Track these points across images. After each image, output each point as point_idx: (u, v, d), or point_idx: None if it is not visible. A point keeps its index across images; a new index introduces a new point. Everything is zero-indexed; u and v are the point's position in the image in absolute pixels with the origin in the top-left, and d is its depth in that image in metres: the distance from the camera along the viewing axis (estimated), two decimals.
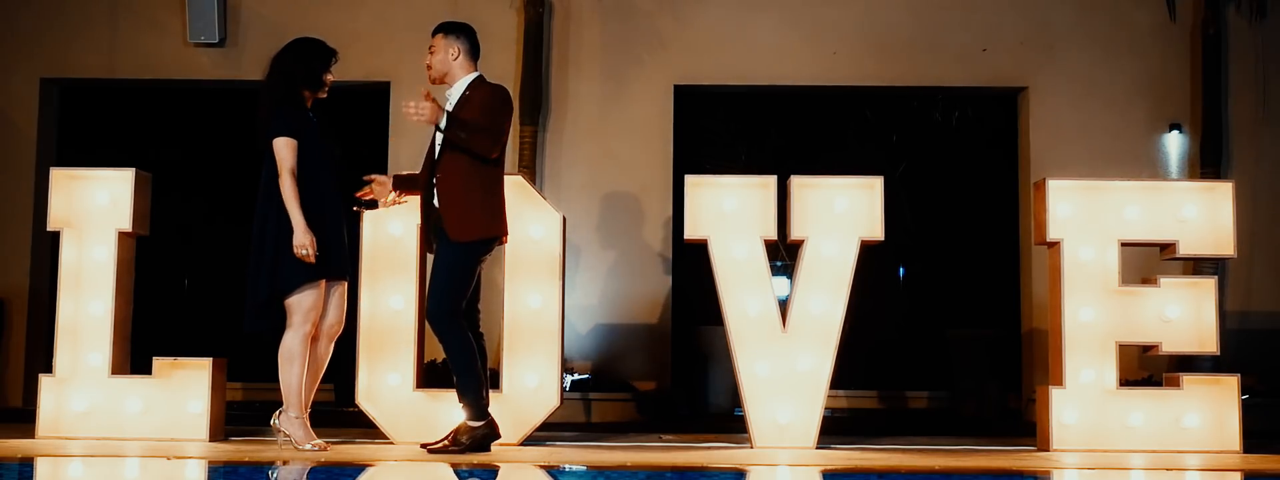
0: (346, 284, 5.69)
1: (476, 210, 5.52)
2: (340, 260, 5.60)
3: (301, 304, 5.50)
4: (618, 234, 9.08)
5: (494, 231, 5.57)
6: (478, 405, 5.48)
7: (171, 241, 8.99)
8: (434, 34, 5.84)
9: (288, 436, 5.52)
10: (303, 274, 5.46)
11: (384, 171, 8.96)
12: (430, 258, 5.67)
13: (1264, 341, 8.80)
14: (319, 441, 5.51)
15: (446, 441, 5.47)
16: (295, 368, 5.51)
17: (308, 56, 5.71)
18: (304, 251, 5.39)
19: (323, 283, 5.51)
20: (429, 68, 5.80)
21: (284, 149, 5.52)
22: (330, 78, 5.76)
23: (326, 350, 5.67)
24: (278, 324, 5.54)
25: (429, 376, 7.34)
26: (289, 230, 5.43)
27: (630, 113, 9.19)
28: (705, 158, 9.72)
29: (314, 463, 5.07)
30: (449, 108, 5.65)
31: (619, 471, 4.97)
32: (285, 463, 5.08)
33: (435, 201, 5.59)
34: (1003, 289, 9.53)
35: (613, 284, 9.05)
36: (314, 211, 5.49)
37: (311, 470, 4.89)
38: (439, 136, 5.60)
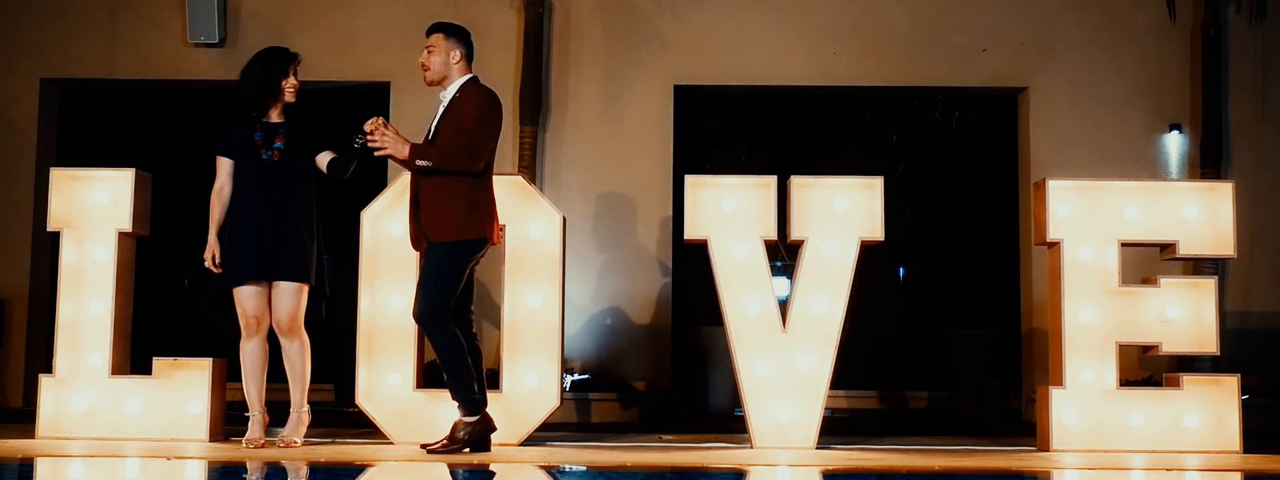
0: (297, 284, 5.72)
1: (454, 212, 5.48)
2: (259, 264, 5.67)
3: (237, 309, 5.74)
4: (617, 234, 9.08)
5: (473, 234, 5.50)
6: (469, 401, 5.46)
7: (171, 241, 8.99)
8: (431, 33, 5.82)
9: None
10: (217, 280, 5.74)
11: (384, 172, 9.00)
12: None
13: (1264, 341, 8.80)
14: (265, 438, 5.76)
15: (444, 441, 5.47)
16: (244, 374, 5.82)
17: (266, 63, 5.85)
18: (207, 263, 5.70)
19: (248, 287, 5.67)
20: (426, 68, 5.78)
21: (217, 166, 5.80)
22: (291, 82, 5.86)
23: (287, 347, 5.78)
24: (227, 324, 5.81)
25: (429, 377, 7.34)
26: (222, 242, 5.72)
27: (630, 113, 9.19)
28: (705, 158, 9.72)
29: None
30: (442, 109, 5.64)
31: (619, 471, 4.98)
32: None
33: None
34: (1003, 289, 9.53)
35: (613, 284, 9.05)
36: (239, 218, 5.69)
37: (311, 470, 4.89)
38: (431, 128, 5.62)
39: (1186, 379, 6.07)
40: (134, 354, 6.32)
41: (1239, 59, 9.12)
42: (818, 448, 5.90)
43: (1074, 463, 5.50)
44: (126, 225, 6.17)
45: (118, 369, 6.12)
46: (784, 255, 8.77)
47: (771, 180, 6.12)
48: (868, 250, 6.12)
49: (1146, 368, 8.47)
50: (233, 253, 5.67)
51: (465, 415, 5.47)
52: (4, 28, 9.31)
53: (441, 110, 5.67)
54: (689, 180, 6.20)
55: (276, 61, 5.84)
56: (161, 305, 9.33)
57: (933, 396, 9.78)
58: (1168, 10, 9.14)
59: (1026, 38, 9.24)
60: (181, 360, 6.10)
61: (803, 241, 6.08)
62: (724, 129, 10.12)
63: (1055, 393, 6.00)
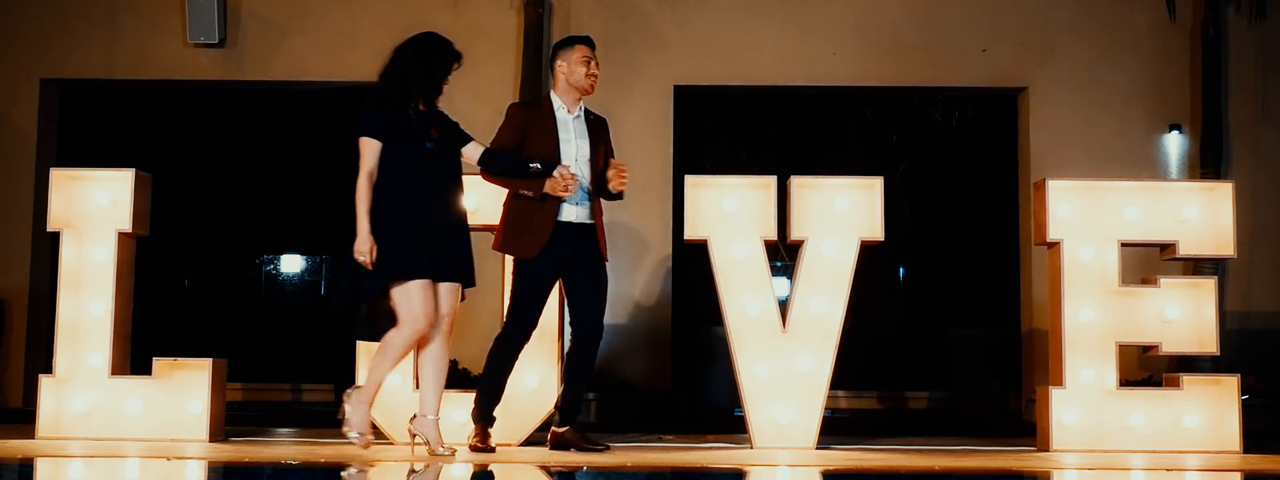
0: (457, 286, 5.46)
1: (503, 224, 5.63)
2: (429, 263, 5.34)
3: (402, 304, 5.28)
4: (618, 234, 9.08)
5: (514, 250, 5.58)
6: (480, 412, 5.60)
7: (171, 241, 9.00)
8: (593, 46, 5.78)
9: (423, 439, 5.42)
10: (382, 276, 5.27)
11: None
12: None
13: (1264, 341, 8.80)
14: (369, 437, 5.37)
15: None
16: (385, 362, 5.34)
17: (429, 56, 5.48)
18: (361, 258, 5.23)
19: (425, 283, 5.31)
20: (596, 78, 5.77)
21: (364, 149, 5.38)
22: (446, 84, 5.57)
23: (438, 351, 5.45)
24: (368, 325, 5.42)
25: None
26: (380, 232, 5.28)
27: (630, 113, 9.19)
28: (705, 158, 9.72)
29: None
30: (581, 126, 5.71)
31: (619, 471, 4.98)
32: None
33: None
34: (1003, 289, 9.53)
35: (612, 284, 9.00)
36: (400, 215, 5.31)
37: (311, 471, 4.89)
38: (576, 154, 5.66)
39: (1186, 379, 6.07)
40: (134, 354, 6.32)
41: (1239, 59, 9.13)
42: (818, 448, 5.90)
43: (1074, 463, 5.50)
44: (126, 225, 6.16)
45: (118, 369, 6.11)
46: (784, 255, 8.77)
47: (771, 180, 6.12)
48: (868, 250, 6.12)
49: (1146, 368, 8.47)
50: (396, 248, 5.27)
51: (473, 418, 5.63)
52: (4, 28, 9.31)
53: (584, 128, 5.70)
54: (689, 180, 6.20)
55: (442, 58, 5.50)
56: (161, 305, 9.34)
57: (933, 396, 9.79)
58: (1168, 10, 9.14)
59: (1026, 38, 9.24)
60: (181, 360, 6.09)
61: (803, 241, 6.08)
62: (724, 129, 10.12)
63: (1055, 393, 6.00)
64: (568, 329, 5.79)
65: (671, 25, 9.24)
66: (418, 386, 6.03)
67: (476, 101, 9.21)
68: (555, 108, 5.71)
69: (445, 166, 5.48)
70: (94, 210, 6.18)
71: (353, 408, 5.37)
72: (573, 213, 5.59)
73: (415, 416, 5.41)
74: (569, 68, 5.73)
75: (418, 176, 5.36)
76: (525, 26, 9.09)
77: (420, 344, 5.40)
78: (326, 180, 10.04)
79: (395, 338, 5.31)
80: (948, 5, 9.26)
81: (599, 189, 5.70)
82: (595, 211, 5.70)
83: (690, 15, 9.27)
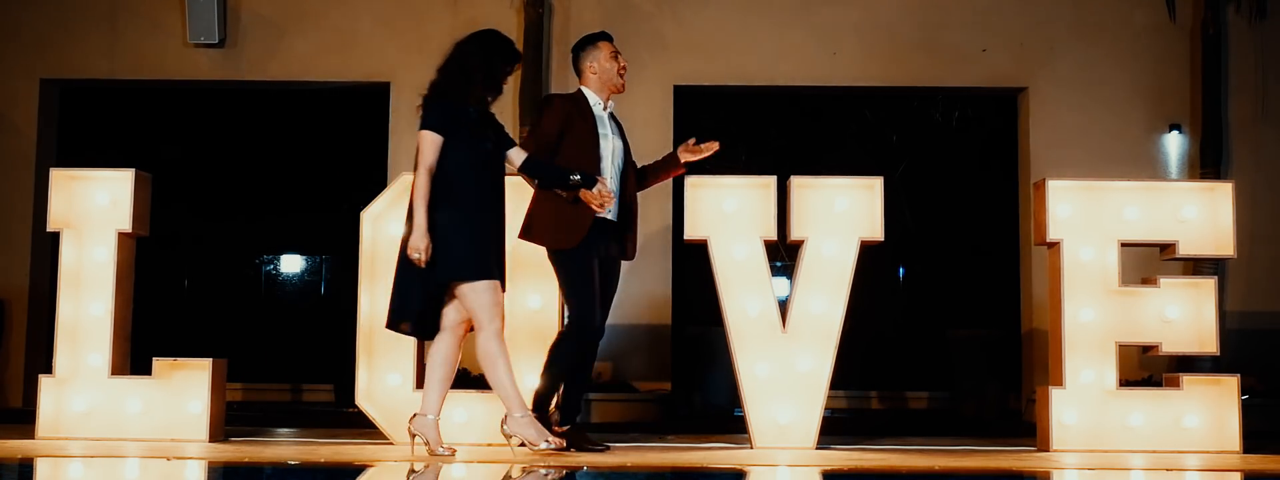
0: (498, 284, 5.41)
1: (539, 216, 5.61)
2: (498, 263, 5.33)
3: (481, 302, 5.22)
4: None
5: (557, 241, 5.56)
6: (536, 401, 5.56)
7: (172, 241, 8.99)
8: (613, 40, 5.80)
9: (522, 443, 5.30)
10: (448, 272, 5.20)
11: (384, 172, 9.01)
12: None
13: (1264, 341, 8.80)
14: (554, 439, 5.27)
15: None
16: (500, 367, 5.25)
17: (491, 55, 5.43)
18: (416, 255, 5.15)
19: (495, 283, 5.25)
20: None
21: (426, 143, 5.28)
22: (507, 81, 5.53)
23: (455, 349, 5.40)
24: (427, 325, 5.35)
25: None
26: (445, 229, 5.20)
27: (630, 113, 9.17)
28: (705, 158, 9.71)
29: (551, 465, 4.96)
30: (612, 123, 5.73)
31: (619, 472, 4.97)
32: (526, 470, 4.92)
33: None
34: (1003, 289, 9.53)
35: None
36: (469, 214, 5.25)
37: (311, 470, 4.89)
38: (611, 150, 5.67)
39: (1186, 379, 6.07)
40: (134, 354, 6.32)
41: (1239, 59, 9.13)
42: (818, 448, 5.90)
43: (1074, 463, 5.50)
44: (126, 225, 6.16)
45: (118, 369, 6.11)
46: (784, 255, 8.77)
47: (771, 180, 6.12)
48: (868, 250, 6.12)
49: (1146, 368, 8.47)
50: (468, 247, 5.20)
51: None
52: (4, 28, 9.31)
53: (615, 125, 5.73)
54: (689, 180, 6.20)
55: (504, 57, 5.45)
56: (161, 305, 9.34)
57: (933, 396, 9.78)
58: (1168, 10, 9.14)
59: (1026, 38, 9.25)
60: (181, 360, 6.09)
61: (803, 241, 6.08)
62: (724, 129, 10.12)
63: (1055, 393, 6.00)
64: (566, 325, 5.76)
65: (671, 25, 9.24)
66: (417, 386, 6.04)
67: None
68: (592, 104, 5.71)
69: (499, 167, 5.43)
70: (94, 210, 6.18)
71: (518, 425, 5.28)
72: (611, 212, 5.64)
73: (415, 416, 5.39)
74: (600, 66, 5.73)
75: (480, 175, 5.31)
76: (525, 26, 9.10)
77: (434, 342, 5.35)
78: (326, 180, 10.04)
79: (488, 345, 5.24)
80: (948, 5, 9.26)
81: (639, 179, 5.82)
82: (627, 209, 5.72)
83: (690, 15, 9.27)
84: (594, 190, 5.45)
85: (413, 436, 5.39)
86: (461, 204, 5.25)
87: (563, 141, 5.59)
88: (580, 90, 5.78)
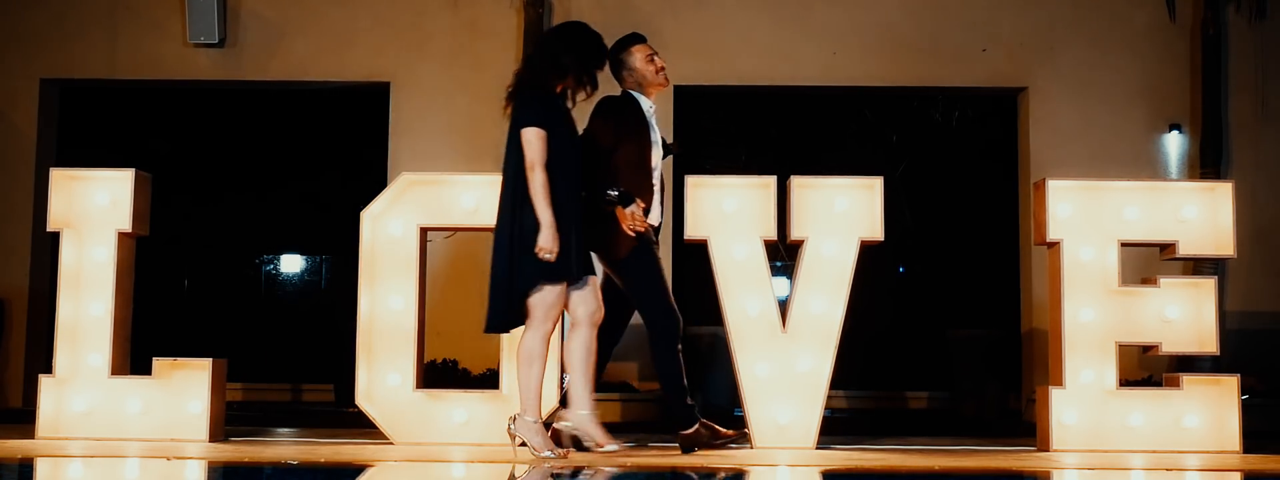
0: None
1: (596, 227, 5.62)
2: (584, 258, 5.30)
3: (543, 301, 5.15)
4: None
5: (607, 253, 5.62)
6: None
7: (172, 241, 9.00)
8: (648, 42, 5.80)
9: (523, 443, 5.23)
10: (547, 273, 5.12)
11: (384, 172, 9.01)
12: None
13: (1264, 341, 8.80)
14: (560, 450, 5.20)
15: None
16: (536, 369, 5.18)
17: (588, 56, 5.38)
18: (547, 255, 5.06)
19: (564, 285, 5.19)
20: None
21: (535, 139, 5.17)
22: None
23: (593, 338, 5.34)
24: (517, 324, 5.28)
25: (429, 377, 7.34)
26: (531, 226, 5.12)
27: None
28: (705, 158, 9.73)
29: (556, 470, 4.88)
30: (656, 121, 5.72)
31: (620, 472, 4.97)
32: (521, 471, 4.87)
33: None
34: (1003, 289, 9.53)
35: (613, 284, 9.03)
36: (561, 212, 5.16)
37: (311, 471, 4.89)
38: (659, 152, 5.67)
39: (1186, 379, 6.07)
40: (134, 354, 6.32)
41: (1239, 59, 9.13)
42: (817, 448, 5.90)
43: (1074, 463, 5.50)
44: (126, 225, 6.16)
45: (118, 369, 6.11)
46: (784, 255, 8.77)
47: (771, 180, 6.11)
48: (868, 250, 6.12)
49: (1146, 368, 8.47)
50: (564, 243, 5.14)
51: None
52: (4, 28, 9.31)
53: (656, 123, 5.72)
54: (689, 180, 6.20)
55: (600, 58, 5.42)
56: (161, 305, 9.34)
57: (933, 396, 9.78)
58: (1168, 10, 9.14)
59: (1026, 38, 9.25)
60: (181, 360, 6.09)
61: (803, 241, 6.08)
62: (724, 129, 10.13)
63: (1055, 393, 6.00)
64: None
65: (671, 25, 9.24)
66: (417, 386, 6.03)
67: (476, 101, 9.22)
68: (643, 107, 5.67)
69: (579, 162, 5.34)
70: (94, 210, 6.18)
71: (526, 429, 5.21)
72: (654, 216, 5.67)
73: (517, 415, 5.27)
74: (640, 67, 5.72)
75: (568, 171, 5.24)
76: (525, 26, 9.10)
77: (568, 336, 5.31)
78: (326, 180, 10.04)
79: (532, 344, 5.18)
80: (948, 5, 9.26)
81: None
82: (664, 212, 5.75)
83: (690, 15, 9.27)
84: (629, 211, 5.42)
85: (513, 438, 5.27)
86: (558, 201, 5.16)
87: (617, 145, 5.53)
88: (627, 92, 5.75)
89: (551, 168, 5.17)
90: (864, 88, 9.41)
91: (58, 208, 6.17)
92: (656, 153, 5.70)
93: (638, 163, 5.57)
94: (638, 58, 5.74)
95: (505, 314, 5.22)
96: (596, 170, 5.46)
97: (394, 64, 9.26)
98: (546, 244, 5.07)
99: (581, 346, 5.28)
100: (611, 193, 5.42)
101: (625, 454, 5.28)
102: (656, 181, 5.68)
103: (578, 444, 5.43)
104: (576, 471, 4.89)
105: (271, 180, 10.21)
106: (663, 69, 5.78)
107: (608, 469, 4.98)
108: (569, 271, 5.18)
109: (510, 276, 5.14)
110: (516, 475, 4.78)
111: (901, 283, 10.33)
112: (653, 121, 5.75)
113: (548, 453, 5.18)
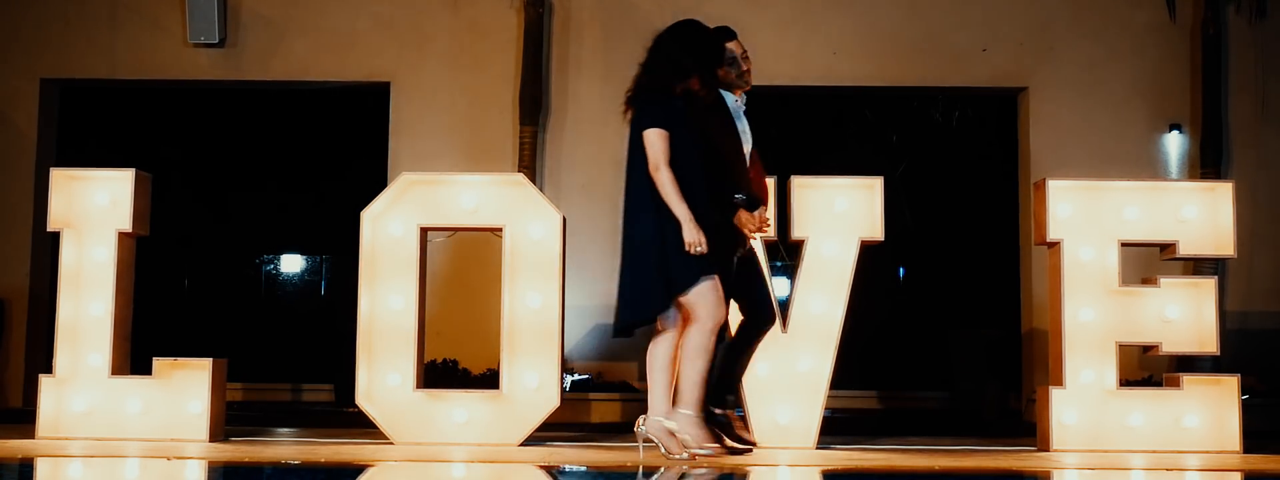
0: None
1: None
2: (713, 254, 5.26)
3: (705, 299, 5.15)
4: (617, 234, 9.06)
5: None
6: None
7: (172, 241, 8.99)
8: (735, 36, 5.76)
9: (650, 442, 5.21)
10: (697, 270, 5.12)
11: (384, 172, 9.01)
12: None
13: (1264, 341, 8.80)
14: (714, 444, 5.21)
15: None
16: (702, 363, 5.18)
17: (705, 54, 5.44)
18: (697, 249, 5.07)
19: (716, 277, 5.18)
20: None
21: (658, 141, 5.20)
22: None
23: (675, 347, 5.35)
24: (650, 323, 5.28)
25: (429, 377, 7.34)
26: (674, 226, 5.12)
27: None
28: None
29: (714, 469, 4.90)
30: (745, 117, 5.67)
31: (619, 472, 4.97)
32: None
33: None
34: (1003, 289, 9.53)
35: (613, 284, 9.01)
36: (699, 210, 5.17)
37: (311, 471, 4.89)
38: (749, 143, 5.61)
39: (1186, 379, 6.07)
40: (134, 354, 6.32)
41: (1239, 59, 9.13)
42: (818, 448, 5.90)
43: (1074, 463, 5.50)
44: (126, 225, 6.16)
45: (118, 369, 6.11)
46: (784, 255, 8.77)
47: (771, 180, 6.11)
48: (868, 250, 6.12)
49: (1146, 368, 8.46)
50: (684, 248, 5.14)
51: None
52: (4, 28, 9.31)
53: (746, 122, 5.64)
54: None
55: (719, 56, 5.51)
56: (161, 305, 9.34)
57: (933, 396, 9.77)
58: (1168, 10, 9.14)
59: (1026, 38, 9.24)
60: (181, 360, 6.09)
61: (803, 241, 6.08)
62: None
63: (1055, 393, 6.00)
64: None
65: None
66: (417, 385, 6.03)
67: (476, 101, 9.23)
68: (728, 105, 5.63)
69: (699, 160, 5.34)
70: (94, 210, 6.18)
71: (688, 424, 5.20)
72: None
73: (645, 418, 5.27)
74: (724, 67, 5.67)
75: (694, 170, 5.24)
76: (525, 26, 9.10)
77: (658, 343, 5.29)
78: (327, 180, 10.04)
79: (699, 339, 5.17)
80: (948, 5, 9.26)
81: None
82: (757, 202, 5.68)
83: (690, 15, 9.24)
84: (754, 214, 5.42)
85: (645, 441, 5.27)
86: (692, 200, 5.17)
87: (708, 145, 5.48)
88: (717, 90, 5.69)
89: (675, 168, 5.18)
90: (864, 88, 9.41)
91: (58, 208, 6.17)
92: (748, 151, 5.63)
93: (728, 161, 5.51)
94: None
95: (643, 314, 5.23)
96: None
97: (394, 64, 9.26)
98: (692, 238, 5.08)
99: (667, 352, 5.29)
100: (739, 196, 5.44)
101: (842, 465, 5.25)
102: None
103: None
104: (725, 469, 4.92)
105: (271, 180, 10.21)
106: (747, 72, 5.71)
107: (757, 468, 4.99)
108: (717, 265, 5.18)
109: (666, 280, 5.13)
110: (687, 473, 4.80)
111: (901, 283, 10.32)
112: (743, 121, 5.66)
113: (706, 449, 5.17)
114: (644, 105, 5.31)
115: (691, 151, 5.26)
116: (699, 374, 5.20)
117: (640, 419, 5.30)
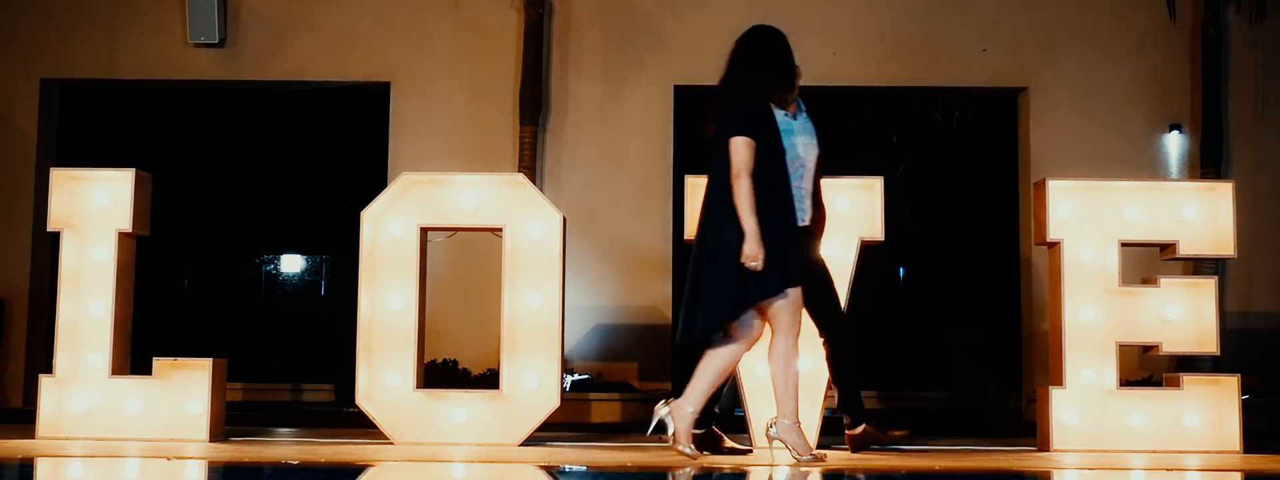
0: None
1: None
2: (795, 265, 5.25)
3: (787, 308, 5.17)
4: (618, 234, 9.08)
5: None
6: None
7: (172, 241, 8.99)
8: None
9: (783, 444, 5.23)
10: (779, 281, 5.12)
11: (384, 172, 9.01)
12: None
13: (1264, 341, 8.80)
14: (819, 451, 5.27)
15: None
16: (793, 371, 5.22)
17: (782, 56, 5.50)
18: (753, 263, 5.05)
19: (799, 288, 5.18)
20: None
21: (743, 149, 5.18)
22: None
23: (795, 349, 5.32)
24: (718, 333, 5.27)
25: (429, 377, 7.35)
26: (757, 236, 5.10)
27: (630, 112, 9.19)
28: (706, 158, 9.71)
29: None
30: (807, 117, 5.66)
31: (619, 472, 4.97)
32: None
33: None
34: (1003, 289, 9.53)
35: (613, 284, 9.05)
36: (782, 218, 5.18)
37: (311, 471, 4.89)
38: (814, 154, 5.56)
39: (1186, 379, 6.07)
40: (134, 354, 6.32)
41: (1239, 59, 9.13)
42: (818, 447, 5.89)
43: (1074, 463, 5.50)
44: (126, 225, 6.16)
45: (118, 369, 6.11)
46: None
47: None
48: (868, 250, 6.11)
49: (1146, 368, 8.46)
50: (784, 254, 5.13)
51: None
52: (4, 28, 9.31)
53: (807, 126, 5.62)
54: (689, 180, 6.21)
55: (788, 54, 5.52)
56: (161, 305, 9.34)
57: (933, 396, 9.78)
58: (1168, 10, 9.14)
59: (1026, 38, 9.24)
60: (181, 360, 6.09)
61: None
62: None
63: (1055, 393, 6.00)
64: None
65: (671, 25, 9.24)
66: (417, 385, 6.04)
67: (476, 101, 9.23)
68: (774, 112, 5.55)
69: (785, 167, 5.34)
70: (94, 210, 6.18)
71: (788, 432, 5.22)
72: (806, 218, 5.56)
73: (774, 419, 5.26)
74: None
75: (779, 178, 5.23)
76: (525, 26, 9.10)
77: (721, 349, 5.29)
78: (327, 180, 10.04)
79: (790, 348, 5.19)
80: (948, 5, 9.26)
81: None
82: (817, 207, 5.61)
83: (690, 15, 9.27)
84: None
85: (772, 441, 5.27)
86: (777, 208, 5.17)
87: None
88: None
89: (758, 176, 5.16)
90: (864, 88, 9.41)
91: (58, 208, 6.17)
92: (791, 158, 5.49)
93: (768, 171, 5.42)
94: None
95: (716, 322, 5.20)
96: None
97: (394, 64, 9.26)
98: (752, 251, 5.06)
99: (784, 356, 5.27)
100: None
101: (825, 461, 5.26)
102: (799, 184, 5.50)
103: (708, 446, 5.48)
104: (831, 474, 4.94)
105: (271, 180, 10.20)
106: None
107: (756, 468, 5.00)
108: (799, 277, 5.18)
109: (740, 289, 5.10)
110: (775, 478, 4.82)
111: (901, 283, 10.32)
112: (794, 126, 5.58)
113: (808, 456, 5.19)
114: (730, 113, 5.29)
115: (778, 161, 5.26)
116: (792, 382, 5.24)
117: (768, 420, 5.29)
